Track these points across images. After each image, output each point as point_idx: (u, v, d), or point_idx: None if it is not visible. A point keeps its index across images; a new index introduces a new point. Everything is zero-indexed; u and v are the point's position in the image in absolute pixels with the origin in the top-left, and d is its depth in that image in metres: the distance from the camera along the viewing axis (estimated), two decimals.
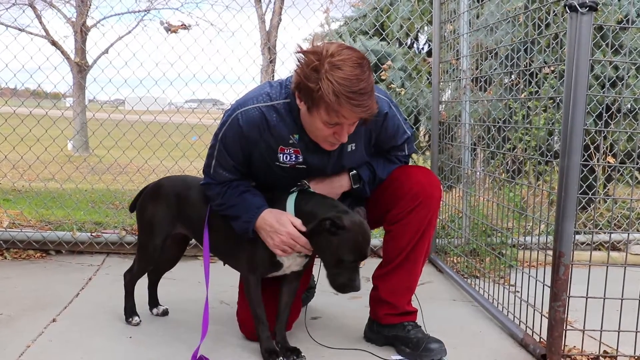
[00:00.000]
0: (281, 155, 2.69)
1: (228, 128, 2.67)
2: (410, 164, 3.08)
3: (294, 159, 2.70)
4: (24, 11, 15.37)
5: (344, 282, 2.53)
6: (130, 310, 3.17)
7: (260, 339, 2.75)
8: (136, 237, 4.53)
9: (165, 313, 3.31)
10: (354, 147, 2.75)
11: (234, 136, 2.66)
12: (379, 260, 3.02)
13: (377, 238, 4.64)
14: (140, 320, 3.16)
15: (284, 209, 2.66)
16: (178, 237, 3.14)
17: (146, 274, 3.28)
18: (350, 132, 2.55)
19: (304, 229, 2.60)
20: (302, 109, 2.52)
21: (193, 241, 3.29)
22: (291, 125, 2.64)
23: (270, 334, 2.77)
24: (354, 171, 2.83)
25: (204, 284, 2.75)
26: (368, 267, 4.39)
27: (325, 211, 2.54)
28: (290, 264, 2.73)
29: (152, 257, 3.07)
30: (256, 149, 2.69)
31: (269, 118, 2.62)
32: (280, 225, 2.60)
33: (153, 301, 3.33)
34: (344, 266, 2.52)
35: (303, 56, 2.43)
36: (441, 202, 4.67)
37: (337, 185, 2.83)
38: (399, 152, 2.93)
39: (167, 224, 2.99)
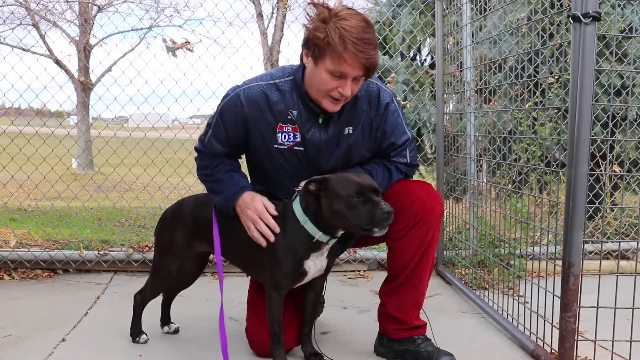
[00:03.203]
0: (280, 134, 2.74)
1: (228, 103, 2.76)
2: (414, 177, 3.06)
3: (291, 139, 2.74)
4: (29, 32, 15.46)
5: (372, 215, 2.51)
6: (136, 331, 3.16)
7: (274, 356, 2.74)
8: (143, 254, 4.56)
9: (176, 331, 3.30)
10: (351, 131, 2.77)
11: (232, 111, 2.74)
12: (385, 274, 3.00)
13: (383, 251, 4.64)
14: (148, 338, 3.15)
15: (292, 214, 2.66)
16: (198, 255, 3.13)
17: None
18: (354, 91, 2.61)
19: (275, 213, 2.67)
20: (309, 66, 2.61)
21: None
22: (291, 102, 2.72)
23: (284, 351, 2.76)
24: None
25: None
26: (375, 282, 4.39)
27: None
28: (316, 270, 2.73)
29: (166, 280, 3.08)
30: (255, 129, 2.74)
31: (269, 95, 2.71)
32: (252, 201, 2.69)
33: (165, 319, 3.32)
34: (362, 206, 2.52)
35: (314, 9, 2.55)
36: (448, 214, 4.70)
37: None
38: (400, 157, 2.90)
39: (184, 247, 2.99)
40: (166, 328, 3.30)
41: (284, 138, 2.73)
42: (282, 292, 2.73)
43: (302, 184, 2.63)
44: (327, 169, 2.77)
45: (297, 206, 2.67)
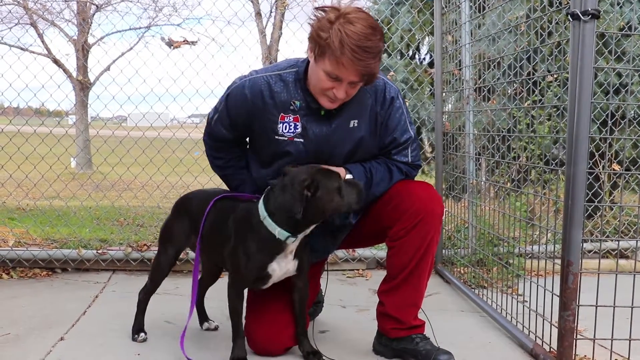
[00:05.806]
0: (281, 125, 2.76)
1: (234, 91, 2.81)
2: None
3: (292, 129, 2.76)
4: (27, 31, 15.45)
5: (358, 191, 2.64)
6: (138, 327, 3.16)
7: (234, 345, 2.79)
8: (141, 253, 4.55)
9: (216, 328, 3.31)
10: (356, 124, 2.78)
11: (237, 99, 2.79)
12: (384, 273, 2.99)
13: (382, 250, 4.64)
14: (147, 337, 3.14)
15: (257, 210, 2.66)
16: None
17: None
18: (350, 95, 2.63)
19: None
20: (311, 61, 2.62)
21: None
22: (294, 93, 2.74)
23: (244, 342, 2.82)
24: (351, 165, 2.82)
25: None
26: (374, 281, 4.39)
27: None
28: (282, 273, 2.74)
29: (164, 270, 3.11)
30: (259, 119, 2.77)
31: (273, 85, 2.74)
32: None
33: (203, 316, 3.35)
34: (347, 187, 2.62)
35: (322, 12, 2.55)
36: (447, 213, 4.69)
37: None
38: (401, 156, 2.88)
39: (181, 237, 3.05)
40: (206, 325, 3.33)
41: (285, 129, 2.75)
42: (240, 290, 2.80)
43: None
44: (332, 164, 2.77)
45: (260, 204, 2.66)
